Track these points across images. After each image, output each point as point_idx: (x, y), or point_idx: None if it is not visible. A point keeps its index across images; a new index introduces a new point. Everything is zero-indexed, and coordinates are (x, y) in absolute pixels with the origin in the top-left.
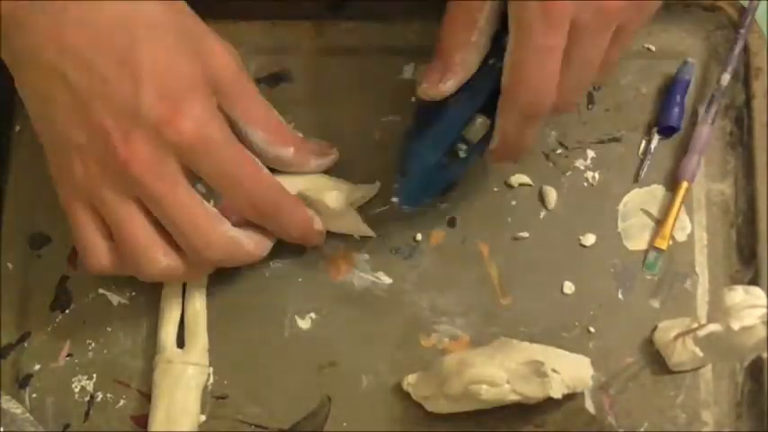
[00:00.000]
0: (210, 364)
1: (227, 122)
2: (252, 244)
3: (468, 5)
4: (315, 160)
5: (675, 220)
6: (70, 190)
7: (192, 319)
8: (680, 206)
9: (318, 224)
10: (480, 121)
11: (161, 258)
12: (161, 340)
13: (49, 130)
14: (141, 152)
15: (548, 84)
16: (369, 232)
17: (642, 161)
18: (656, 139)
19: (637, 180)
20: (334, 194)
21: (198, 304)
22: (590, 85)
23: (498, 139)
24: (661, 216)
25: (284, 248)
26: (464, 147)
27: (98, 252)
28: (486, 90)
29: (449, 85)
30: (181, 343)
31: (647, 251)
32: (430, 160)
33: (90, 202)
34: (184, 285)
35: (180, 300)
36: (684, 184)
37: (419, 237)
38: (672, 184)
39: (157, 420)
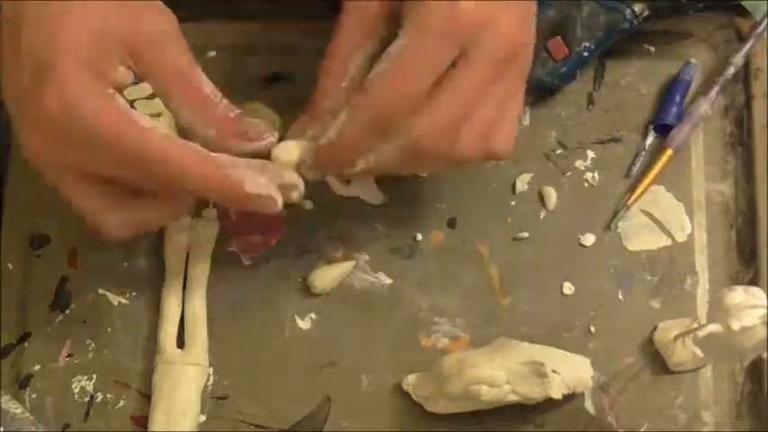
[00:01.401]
0: (210, 364)
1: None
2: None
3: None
4: (245, 144)
5: (651, 182)
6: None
7: (192, 320)
8: (659, 171)
9: (253, 186)
10: None
11: (110, 218)
12: (160, 342)
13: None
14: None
15: (412, 94)
16: (379, 198)
17: (635, 158)
18: (651, 135)
19: (628, 175)
20: (282, 146)
21: (197, 305)
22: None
23: (332, 135)
24: (661, 216)
25: (284, 248)
26: None
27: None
28: None
29: (308, 135)
30: (180, 344)
31: (616, 210)
32: None
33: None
34: (184, 286)
35: (179, 301)
36: (668, 152)
37: (419, 237)
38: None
39: (157, 421)
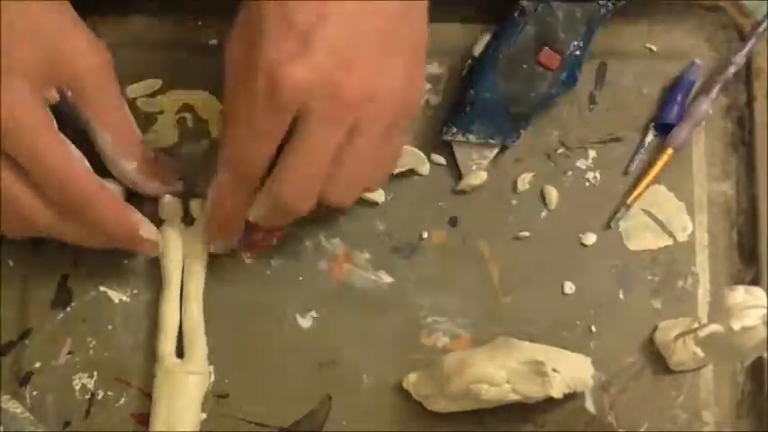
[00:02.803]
0: (211, 363)
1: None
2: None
3: None
4: (156, 184)
5: (651, 181)
6: None
7: (190, 330)
8: (659, 170)
9: (148, 232)
10: None
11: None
12: (159, 351)
13: None
14: None
15: (259, 159)
16: (380, 197)
17: (634, 155)
18: (650, 134)
19: (626, 173)
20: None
21: (195, 313)
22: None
23: (209, 205)
24: (662, 216)
25: (284, 247)
26: None
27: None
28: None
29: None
30: (180, 353)
31: (616, 209)
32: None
33: None
34: (182, 294)
35: (177, 308)
36: (669, 151)
37: (420, 236)
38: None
39: (158, 427)
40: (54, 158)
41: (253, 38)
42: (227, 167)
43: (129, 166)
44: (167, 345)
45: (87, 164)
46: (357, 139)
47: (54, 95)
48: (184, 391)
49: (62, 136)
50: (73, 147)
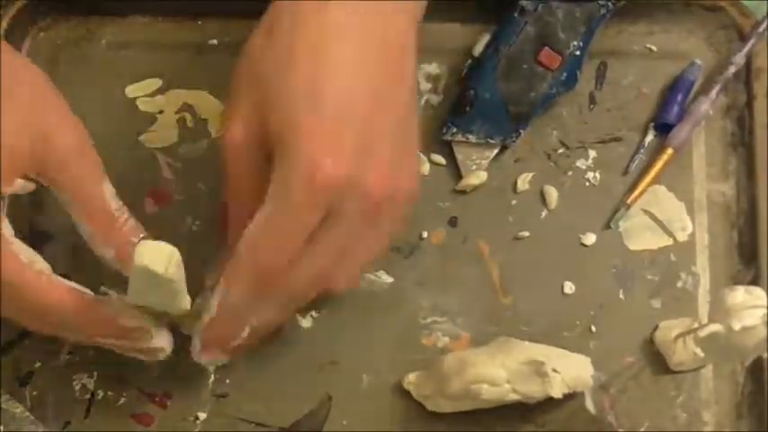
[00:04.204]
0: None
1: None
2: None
3: None
4: None
5: (651, 181)
6: None
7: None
8: (659, 170)
9: (128, 319)
10: None
11: None
12: None
13: None
14: None
15: (286, 256)
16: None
17: (634, 155)
18: (650, 134)
19: (626, 173)
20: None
21: None
22: (345, 273)
23: (214, 309)
24: (662, 216)
25: None
26: None
27: None
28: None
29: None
30: None
31: (616, 208)
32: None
33: None
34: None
35: None
36: (669, 150)
37: (420, 236)
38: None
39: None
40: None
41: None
42: (244, 268)
43: (108, 254)
44: None
45: (52, 275)
46: (371, 231)
47: (23, 186)
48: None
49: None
50: (37, 257)
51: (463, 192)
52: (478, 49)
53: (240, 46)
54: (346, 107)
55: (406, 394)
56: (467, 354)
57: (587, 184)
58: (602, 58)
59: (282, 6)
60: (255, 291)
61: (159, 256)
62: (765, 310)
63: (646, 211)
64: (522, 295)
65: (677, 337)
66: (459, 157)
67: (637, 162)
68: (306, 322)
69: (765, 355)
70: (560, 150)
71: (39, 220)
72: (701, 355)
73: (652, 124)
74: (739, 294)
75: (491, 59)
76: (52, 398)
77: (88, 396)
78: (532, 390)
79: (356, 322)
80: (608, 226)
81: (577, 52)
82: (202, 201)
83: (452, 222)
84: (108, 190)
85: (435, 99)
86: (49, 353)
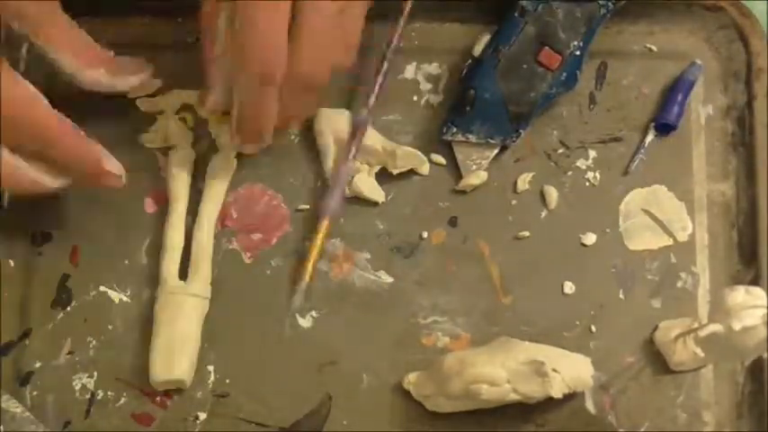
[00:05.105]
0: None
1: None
2: (31, 172)
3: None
4: (132, 78)
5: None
6: None
7: (198, 251)
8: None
9: (110, 164)
10: None
11: None
12: (163, 272)
13: None
14: None
15: (276, 42)
16: (380, 196)
17: (634, 155)
18: (651, 134)
19: (626, 173)
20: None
21: (205, 236)
22: (331, 61)
23: (235, 113)
24: (662, 216)
25: (284, 247)
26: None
27: None
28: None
29: (209, 102)
30: (184, 276)
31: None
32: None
33: None
34: (187, 219)
35: (182, 231)
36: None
37: (420, 236)
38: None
39: (158, 349)
40: (15, 100)
41: None
42: (251, 65)
43: (97, 73)
44: (171, 266)
45: (45, 100)
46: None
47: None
48: (185, 311)
49: (16, 73)
50: (29, 84)
51: (463, 192)
52: (478, 49)
53: None
54: None
55: (406, 394)
56: (467, 354)
57: (587, 184)
58: (602, 58)
59: None
60: (261, 87)
61: None
62: (765, 310)
63: (646, 211)
64: (522, 295)
65: (677, 337)
66: (459, 156)
67: (637, 162)
68: (306, 322)
69: (765, 355)
70: (560, 150)
71: (40, 218)
72: (701, 355)
73: (652, 124)
74: (739, 294)
75: (491, 59)
76: (52, 398)
77: (88, 396)
78: (532, 390)
79: (356, 322)
80: (609, 228)
81: (577, 52)
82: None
83: (452, 222)
84: (78, 28)
85: (435, 99)
86: (49, 353)
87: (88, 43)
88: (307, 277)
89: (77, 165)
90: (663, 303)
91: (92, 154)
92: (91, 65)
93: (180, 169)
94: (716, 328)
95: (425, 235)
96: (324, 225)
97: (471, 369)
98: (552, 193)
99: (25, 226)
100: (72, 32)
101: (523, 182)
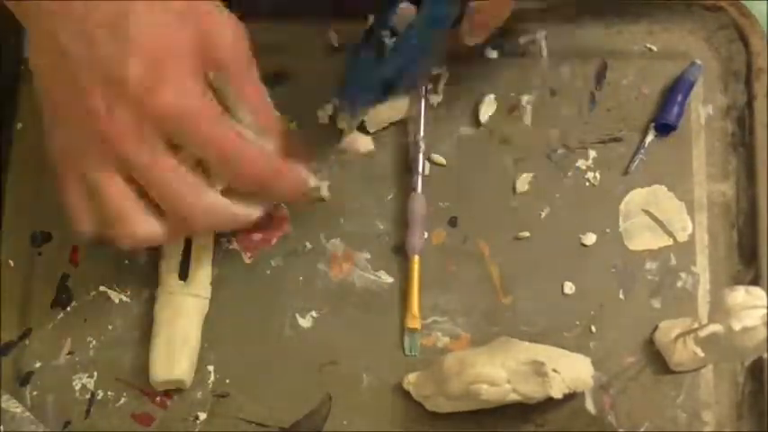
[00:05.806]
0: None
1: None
2: (239, 210)
3: None
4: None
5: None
6: (59, 156)
7: (198, 251)
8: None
9: (312, 181)
10: (404, 6)
11: (138, 224)
12: (162, 272)
13: (44, 94)
14: (121, 121)
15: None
16: (368, 147)
17: (634, 155)
18: (651, 134)
19: (626, 173)
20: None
21: (205, 237)
22: None
23: None
24: (662, 216)
25: (284, 247)
26: (388, 35)
27: (80, 216)
28: None
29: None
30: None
31: (403, 335)
32: (359, 54)
33: (77, 168)
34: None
35: None
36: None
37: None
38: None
39: (157, 349)
40: (229, 142)
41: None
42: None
43: (269, 145)
44: (171, 267)
45: (251, 135)
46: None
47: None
48: (184, 311)
49: (228, 116)
50: (240, 126)
51: (463, 192)
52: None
53: None
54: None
55: (406, 394)
56: (467, 354)
57: (587, 184)
58: (602, 57)
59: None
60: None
61: None
62: (765, 311)
63: (646, 211)
64: (522, 295)
65: (677, 337)
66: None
67: (637, 162)
68: (306, 322)
69: (765, 355)
70: (560, 151)
71: (40, 218)
72: (701, 355)
73: (652, 124)
74: (739, 294)
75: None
76: (52, 398)
77: (88, 396)
78: (532, 390)
79: (357, 322)
80: (609, 228)
81: None
82: None
83: (452, 222)
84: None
85: (435, 99)
86: (49, 353)
87: (270, 112)
88: (417, 325)
89: (288, 194)
90: (663, 303)
91: (299, 178)
92: (265, 131)
93: None
94: (716, 328)
95: (425, 235)
96: (415, 262)
97: (471, 369)
98: (552, 193)
99: (25, 226)
100: (259, 96)
101: (523, 182)
